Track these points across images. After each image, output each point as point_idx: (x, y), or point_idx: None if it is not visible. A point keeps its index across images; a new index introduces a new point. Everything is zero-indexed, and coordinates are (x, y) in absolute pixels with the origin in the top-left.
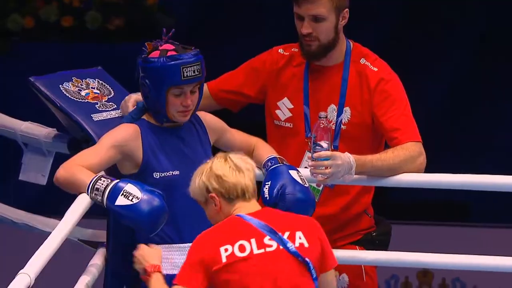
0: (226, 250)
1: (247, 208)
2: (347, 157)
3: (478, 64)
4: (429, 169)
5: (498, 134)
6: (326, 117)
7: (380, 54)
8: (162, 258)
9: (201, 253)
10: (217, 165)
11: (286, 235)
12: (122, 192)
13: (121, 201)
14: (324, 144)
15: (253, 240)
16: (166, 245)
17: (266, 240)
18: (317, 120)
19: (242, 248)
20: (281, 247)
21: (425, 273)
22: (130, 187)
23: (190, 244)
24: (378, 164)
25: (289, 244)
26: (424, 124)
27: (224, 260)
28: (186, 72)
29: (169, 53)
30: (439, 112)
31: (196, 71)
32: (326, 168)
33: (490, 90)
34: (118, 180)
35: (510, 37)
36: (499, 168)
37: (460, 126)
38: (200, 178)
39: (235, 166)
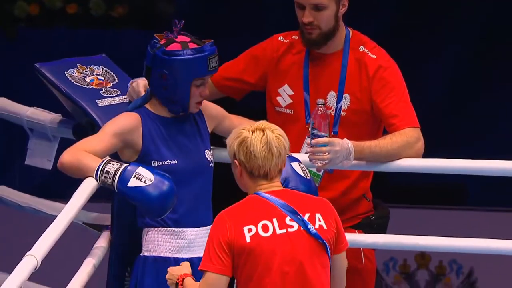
0: (249, 230)
1: (267, 187)
2: (346, 143)
3: (478, 56)
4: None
5: (498, 125)
6: (324, 104)
7: (379, 44)
8: (156, 241)
9: (224, 234)
10: (253, 138)
11: (306, 217)
12: (134, 174)
13: (134, 183)
14: (322, 130)
15: (275, 220)
16: (161, 228)
17: (287, 220)
18: (317, 107)
19: (265, 228)
20: (302, 228)
21: (422, 256)
22: (142, 170)
23: (184, 229)
24: (376, 150)
25: (310, 226)
26: (423, 116)
27: (248, 240)
28: (212, 63)
29: (190, 45)
30: (438, 105)
31: (217, 61)
32: (325, 154)
33: (490, 83)
34: (127, 164)
35: (510, 29)
36: (498, 157)
37: (459, 118)
38: (234, 143)
39: (268, 146)
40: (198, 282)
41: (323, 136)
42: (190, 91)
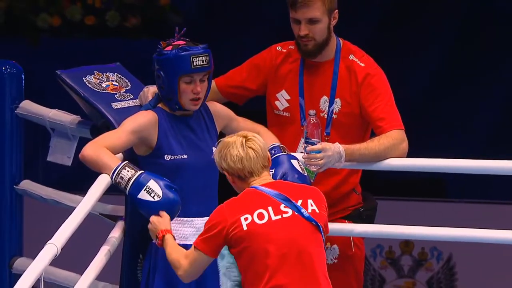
0: (246, 219)
1: (259, 181)
2: (337, 147)
3: (458, 55)
4: (411, 151)
5: (474, 120)
6: (315, 114)
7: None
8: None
9: (222, 222)
10: (230, 148)
11: (299, 203)
12: (145, 188)
13: (143, 195)
14: (316, 138)
15: (270, 208)
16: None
17: (282, 207)
18: (308, 116)
19: (260, 216)
20: (296, 213)
21: (406, 243)
22: (153, 184)
23: (193, 218)
24: (365, 152)
25: (303, 210)
26: (408, 110)
27: (245, 228)
28: (196, 62)
29: (180, 46)
30: (421, 100)
31: (204, 61)
32: (319, 159)
33: (467, 81)
34: (141, 173)
35: (488, 29)
36: (475, 150)
37: (439, 112)
38: (217, 156)
39: (243, 150)
40: (183, 249)
41: (316, 143)
42: (179, 88)
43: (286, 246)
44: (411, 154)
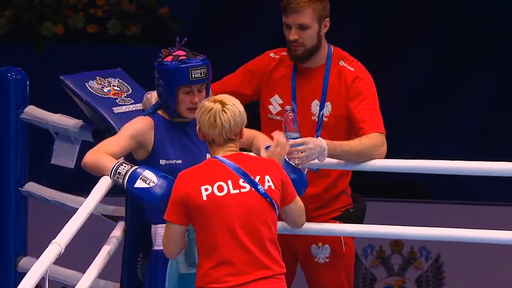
0: (206, 189)
1: (223, 152)
2: (319, 141)
3: (445, 62)
4: (400, 151)
5: (460, 124)
6: (291, 109)
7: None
8: (159, 235)
9: (183, 190)
10: (204, 109)
11: (257, 179)
12: (140, 176)
13: (139, 184)
14: (295, 132)
15: (229, 182)
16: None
17: (241, 182)
18: (286, 113)
19: (220, 188)
20: (253, 189)
21: (396, 243)
22: (147, 173)
23: None
24: (347, 149)
25: (260, 187)
26: (394, 114)
27: (204, 198)
28: (194, 74)
29: (180, 58)
30: (409, 103)
31: (202, 73)
32: (300, 152)
33: (454, 86)
34: (137, 167)
35: (477, 30)
36: (459, 151)
37: (432, 113)
38: (197, 112)
39: (213, 118)
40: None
41: (297, 137)
42: (178, 98)
43: (239, 219)
44: (404, 154)
